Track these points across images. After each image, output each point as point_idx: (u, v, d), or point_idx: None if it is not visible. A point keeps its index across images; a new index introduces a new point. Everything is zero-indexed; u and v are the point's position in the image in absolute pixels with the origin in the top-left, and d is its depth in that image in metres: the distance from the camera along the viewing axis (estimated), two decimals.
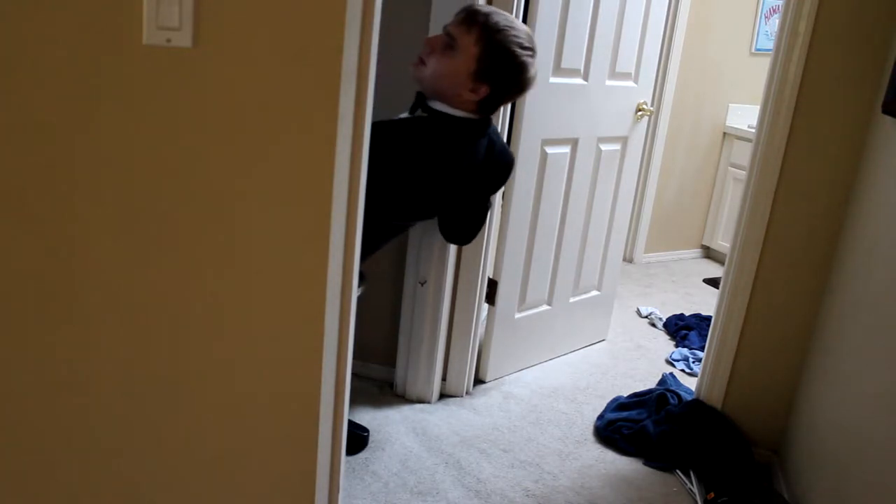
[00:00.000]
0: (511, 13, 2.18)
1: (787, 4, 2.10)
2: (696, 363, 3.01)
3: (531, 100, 2.34)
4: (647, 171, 4.15)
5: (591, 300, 3.04)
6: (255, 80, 1.06)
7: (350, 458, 2.13)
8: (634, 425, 2.40)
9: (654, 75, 2.96)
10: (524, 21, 2.29)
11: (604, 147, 2.79)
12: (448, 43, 1.66)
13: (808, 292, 2.20)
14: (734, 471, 2.15)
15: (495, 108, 1.79)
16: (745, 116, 4.27)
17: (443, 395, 2.55)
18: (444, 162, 1.68)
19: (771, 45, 2.72)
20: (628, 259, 4.31)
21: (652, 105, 3.13)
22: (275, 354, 1.19)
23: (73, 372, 1.19)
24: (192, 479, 1.26)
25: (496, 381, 2.71)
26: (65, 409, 1.21)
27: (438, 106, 1.72)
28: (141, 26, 1.02)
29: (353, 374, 1.45)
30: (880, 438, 1.58)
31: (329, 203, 1.12)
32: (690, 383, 2.74)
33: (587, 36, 2.54)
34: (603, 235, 2.97)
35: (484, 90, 1.67)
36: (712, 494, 2.05)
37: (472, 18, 1.65)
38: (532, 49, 1.71)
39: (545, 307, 2.81)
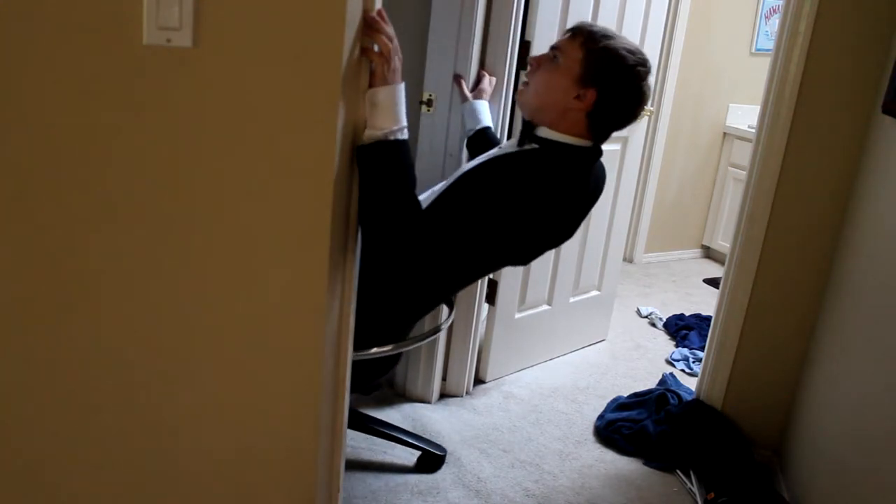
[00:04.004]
0: (511, 12, 2.19)
1: (787, 4, 2.10)
2: (696, 363, 3.01)
3: None
4: (647, 171, 4.15)
5: (591, 300, 3.04)
6: (256, 80, 1.06)
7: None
8: (634, 425, 2.40)
9: (654, 75, 2.96)
10: (524, 21, 2.29)
11: (604, 147, 2.79)
12: (552, 56, 1.58)
13: (808, 292, 2.20)
14: (734, 471, 2.15)
15: (608, 128, 1.64)
16: (745, 116, 4.27)
17: (443, 395, 2.55)
18: (560, 198, 1.54)
19: (771, 45, 2.72)
20: (628, 259, 4.31)
21: (652, 105, 3.13)
22: (275, 354, 1.19)
23: (75, 369, 1.19)
24: (191, 478, 1.26)
25: (496, 381, 2.71)
26: (66, 406, 1.20)
27: (546, 133, 1.59)
28: (141, 26, 1.02)
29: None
30: (880, 438, 1.58)
31: (329, 203, 1.12)
32: (690, 383, 2.74)
33: None
34: (603, 235, 2.97)
35: (591, 95, 1.54)
36: (712, 494, 2.05)
37: (578, 28, 1.58)
38: (645, 62, 1.58)
39: (545, 307, 2.81)
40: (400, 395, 2.52)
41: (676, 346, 3.23)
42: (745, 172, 2.30)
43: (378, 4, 1.18)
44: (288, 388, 1.20)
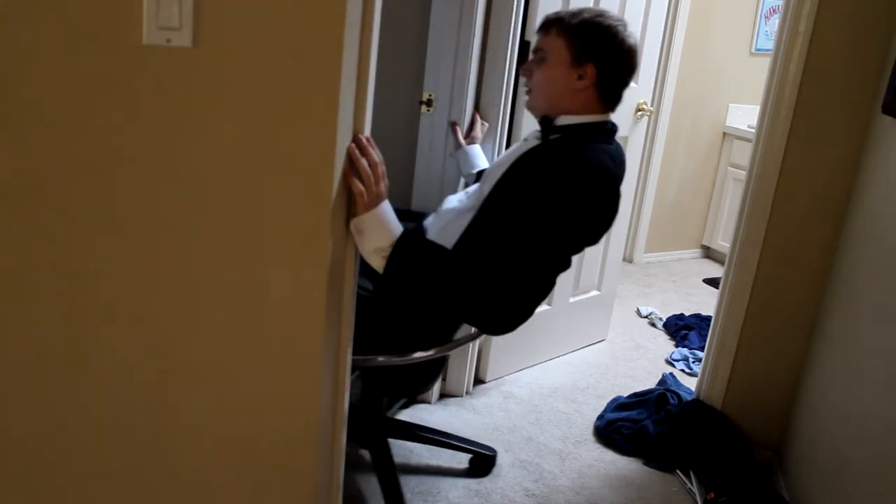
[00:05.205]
0: (511, 13, 2.19)
1: (787, 4, 2.10)
2: (696, 363, 3.01)
3: None
4: (647, 171, 4.15)
5: (591, 300, 3.04)
6: (256, 80, 1.06)
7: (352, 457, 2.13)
8: (634, 425, 2.40)
9: (654, 75, 2.96)
10: (524, 21, 2.29)
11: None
12: (539, 56, 1.65)
13: (808, 292, 2.20)
14: (734, 471, 2.15)
15: (617, 93, 1.67)
16: (745, 116, 4.27)
17: (443, 395, 2.55)
18: (598, 172, 1.56)
19: (771, 45, 2.72)
20: (628, 259, 4.31)
21: (652, 105, 3.13)
22: (275, 353, 1.19)
23: (76, 370, 1.19)
24: (191, 476, 1.26)
25: (496, 381, 2.71)
26: (66, 406, 1.21)
27: (565, 120, 1.64)
28: (141, 26, 1.02)
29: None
30: (880, 438, 1.58)
31: (328, 204, 1.12)
32: (690, 383, 2.74)
33: None
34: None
35: (591, 70, 1.60)
36: (712, 494, 2.05)
37: (547, 22, 1.65)
38: (618, 18, 1.65)
39: (545, 307, 2.81)
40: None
41: (676, 346, 3.23)
42: (744, 172, 2.30)
43: (378, 4, 1.17)
44: (288, 388, 1.20)
